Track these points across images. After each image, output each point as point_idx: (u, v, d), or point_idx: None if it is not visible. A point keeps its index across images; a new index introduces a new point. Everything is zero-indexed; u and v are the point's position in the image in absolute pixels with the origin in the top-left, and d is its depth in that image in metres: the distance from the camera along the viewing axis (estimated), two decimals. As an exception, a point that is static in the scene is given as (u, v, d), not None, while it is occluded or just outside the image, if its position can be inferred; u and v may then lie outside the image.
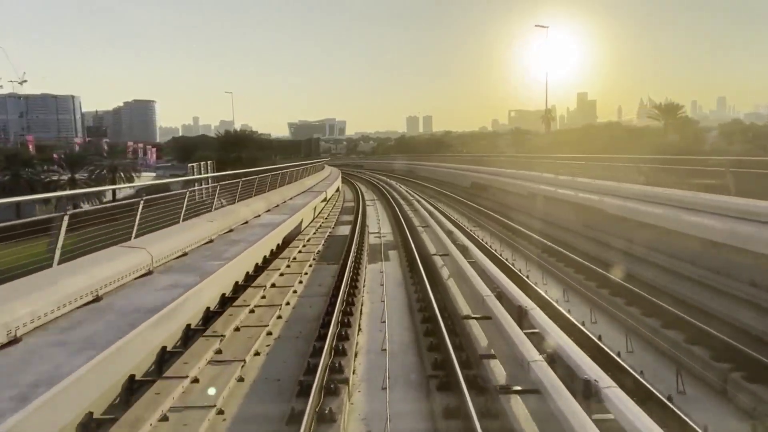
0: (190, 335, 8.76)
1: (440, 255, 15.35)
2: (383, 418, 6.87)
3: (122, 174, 62.22)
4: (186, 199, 12.96)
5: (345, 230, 22.72)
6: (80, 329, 6.84)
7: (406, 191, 40.20)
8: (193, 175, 26.70)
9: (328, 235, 21.33)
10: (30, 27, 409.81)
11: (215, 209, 15.51)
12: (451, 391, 7.34)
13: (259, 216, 18.45)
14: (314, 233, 21.15)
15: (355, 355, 8.92)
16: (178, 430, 6.12)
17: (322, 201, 29.56)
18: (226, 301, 10.67)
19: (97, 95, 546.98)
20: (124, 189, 32.15)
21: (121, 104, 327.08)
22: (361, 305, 11.75)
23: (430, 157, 76.74)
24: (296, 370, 8.22)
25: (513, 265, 15.96)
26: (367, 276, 14.77)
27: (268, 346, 9.46)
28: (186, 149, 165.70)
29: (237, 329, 9.43)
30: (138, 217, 10.28)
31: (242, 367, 8.02)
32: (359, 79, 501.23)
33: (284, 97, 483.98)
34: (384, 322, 10.82)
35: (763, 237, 11.56)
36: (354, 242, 18.39)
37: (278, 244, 16.41)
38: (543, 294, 12.19)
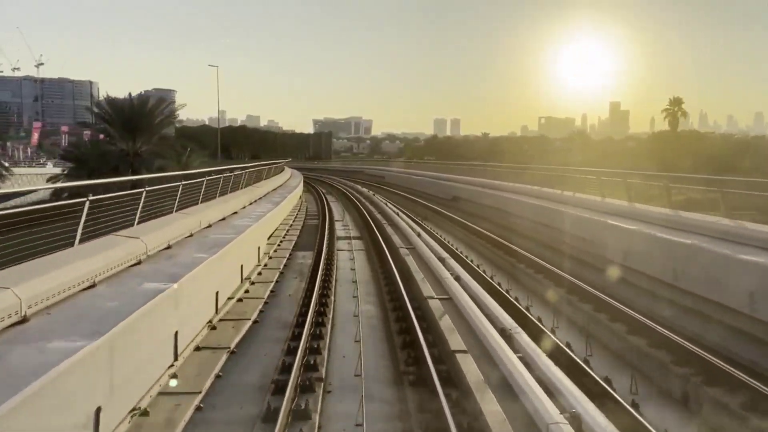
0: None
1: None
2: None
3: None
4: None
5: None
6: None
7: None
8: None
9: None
10: (51, 9, 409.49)
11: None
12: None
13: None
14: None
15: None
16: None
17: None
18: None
19: (120, 83, 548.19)
20: None
21: (141, 92, 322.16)
22: None
23: (496, 171, 37.17)
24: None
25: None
26: None
27: None
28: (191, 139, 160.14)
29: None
30: None
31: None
32: (387, 79, 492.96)
33: (312, 94, 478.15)
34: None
35: None
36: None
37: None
38: None
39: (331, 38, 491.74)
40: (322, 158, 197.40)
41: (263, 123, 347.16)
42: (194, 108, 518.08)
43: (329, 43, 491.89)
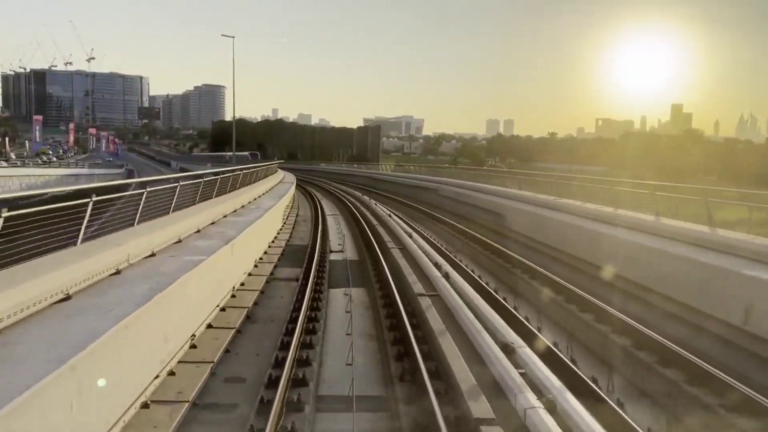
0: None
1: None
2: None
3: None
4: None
5: None
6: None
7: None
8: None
9: None
10: (102, 3, 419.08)
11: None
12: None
13: None
14: None
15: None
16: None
17: None
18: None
19: (172, 79, 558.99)
20: None
21: (191, 88, 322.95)
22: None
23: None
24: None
25: None
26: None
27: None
28: (224, 134, 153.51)
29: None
30: None
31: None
32: (438, 79, 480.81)
33: (364, 93, 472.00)
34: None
35: None
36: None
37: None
38: None
39: (383, 37, 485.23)
40: (368, 159, 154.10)
41: (314, 121, 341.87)
42: (246, 105, 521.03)
43: (380, 43, 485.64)
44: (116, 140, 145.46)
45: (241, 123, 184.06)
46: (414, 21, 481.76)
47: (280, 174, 44.92)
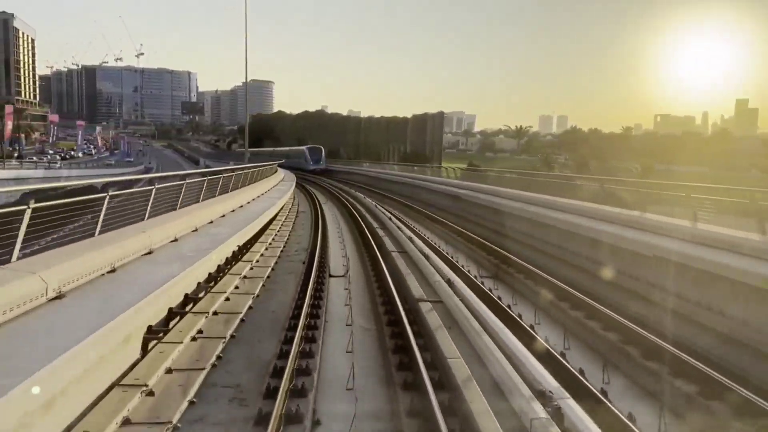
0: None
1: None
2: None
3: None
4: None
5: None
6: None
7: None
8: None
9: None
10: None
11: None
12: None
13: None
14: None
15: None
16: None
17: None
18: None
19: (221, 75, 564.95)
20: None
21: (239, 84, 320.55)
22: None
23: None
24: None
25: None
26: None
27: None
28: (262, 129, 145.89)
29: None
30: None
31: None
32: (489, 74, 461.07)
33: (414, 89, 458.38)
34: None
35: None
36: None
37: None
38: None
39: (432, 33, 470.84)
40: (427, 158, 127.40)
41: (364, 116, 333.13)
42: (293, 101, 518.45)
43: (430, 39, 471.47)
44: (128, 140, 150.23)
45: (280, 117, 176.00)
46: (463, 16, 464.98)
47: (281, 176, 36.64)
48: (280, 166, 47.68)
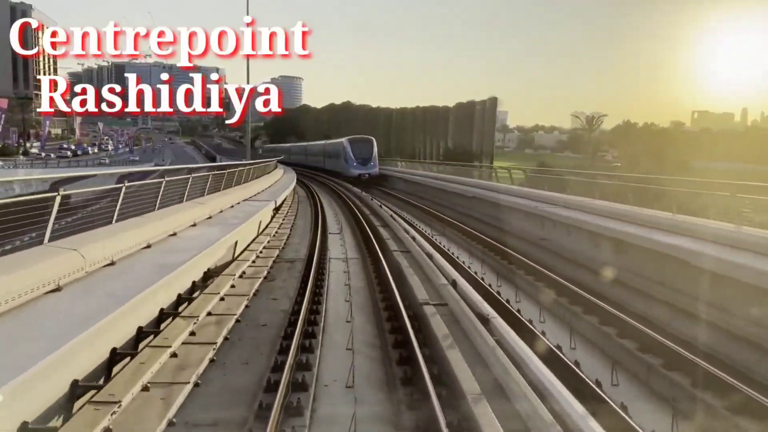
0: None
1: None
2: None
3: None
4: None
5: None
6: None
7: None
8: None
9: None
10: None
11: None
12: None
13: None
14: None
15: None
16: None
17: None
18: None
19: (252, 72, 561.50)
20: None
21: (268, 80, 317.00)
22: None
23: None
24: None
25: None
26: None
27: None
28: (285, 125, 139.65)
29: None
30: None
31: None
32: (521, 71, 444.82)
33: (444, 86, 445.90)
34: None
35: None
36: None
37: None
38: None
39: (466, 27, 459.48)
40: (474, 155, 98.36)
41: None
42: (320, 95, 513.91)
43: (460, 33, 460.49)
44: (145, 137, 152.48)
45: (304, 111, 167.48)
46: (494, 10, 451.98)
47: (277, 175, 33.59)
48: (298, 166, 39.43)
